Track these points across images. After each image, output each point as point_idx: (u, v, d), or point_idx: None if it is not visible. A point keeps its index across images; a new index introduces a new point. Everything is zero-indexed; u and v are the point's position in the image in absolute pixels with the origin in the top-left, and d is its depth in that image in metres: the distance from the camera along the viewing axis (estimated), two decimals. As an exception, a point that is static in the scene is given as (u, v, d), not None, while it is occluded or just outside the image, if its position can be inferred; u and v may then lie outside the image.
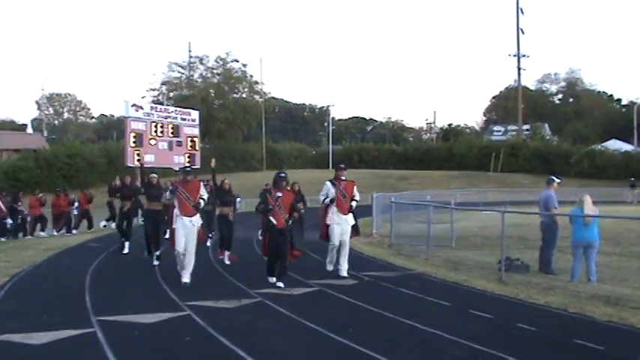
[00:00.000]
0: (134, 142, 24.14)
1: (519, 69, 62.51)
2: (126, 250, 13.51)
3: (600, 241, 10.51)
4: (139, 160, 18.73)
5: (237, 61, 61.06)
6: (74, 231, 19.87)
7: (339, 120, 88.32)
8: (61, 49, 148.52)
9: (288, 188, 9.79)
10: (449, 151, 59.02)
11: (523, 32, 61.44)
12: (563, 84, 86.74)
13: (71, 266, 11.57)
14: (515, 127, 66.38)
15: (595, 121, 78.14)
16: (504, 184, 45.80)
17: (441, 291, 9.13)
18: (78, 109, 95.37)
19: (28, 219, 19.95)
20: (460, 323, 7.01)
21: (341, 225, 10.36)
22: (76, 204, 20.81)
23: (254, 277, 9.95)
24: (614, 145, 58.89)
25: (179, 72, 61.57)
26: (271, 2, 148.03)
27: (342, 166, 10.85)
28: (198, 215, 9.60)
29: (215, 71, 61.62)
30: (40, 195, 20.77)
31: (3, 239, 18.31)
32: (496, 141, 63.82)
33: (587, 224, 10.25)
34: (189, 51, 62.52)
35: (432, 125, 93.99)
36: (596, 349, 6.00)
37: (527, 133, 66.79)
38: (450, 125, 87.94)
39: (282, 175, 9.59)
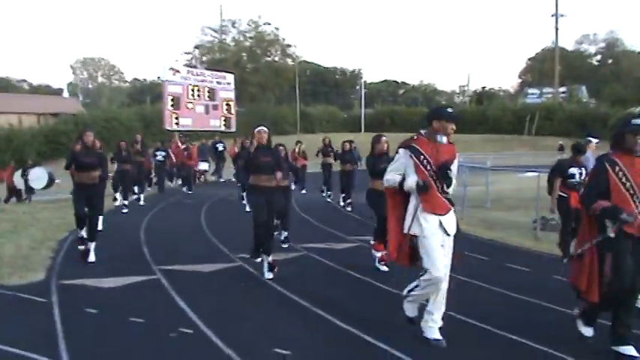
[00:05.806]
0: (172, 105, 24.77)
1: (557, 29, 61.17)
2: (91, 259, 8.09)
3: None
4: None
5: (269, 24, 61.05)
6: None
7: (371, 83, 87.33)
8: (93, 14, 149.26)
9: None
10: (482, 115, 58.17)
11: (561, -9, 59.85)
12: (602, 45, 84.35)
13: (126, 221, 12.09)
14: (551, 90, 65.25)
15: (635, 83, 75.95)
16: (538, 147, 45.38)
17: (478, 247, 9.31)
18: (112, 73, 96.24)
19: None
20: (498, 275, 7.35)
21: None
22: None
23: (296, 233, 10.31)
24: (654, 107, 57.60)
25: (212, 35, 61.81)
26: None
27: None
28: (452, 212, 4.97)
29: (247, 34, 61.69)
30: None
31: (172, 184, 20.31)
32: (531, 104, 62.79)
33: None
34: (221, 14, 62.67)
35: (466, 88, 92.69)
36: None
37: (563, 95, 65.56)
38: (483, 88, 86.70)
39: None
